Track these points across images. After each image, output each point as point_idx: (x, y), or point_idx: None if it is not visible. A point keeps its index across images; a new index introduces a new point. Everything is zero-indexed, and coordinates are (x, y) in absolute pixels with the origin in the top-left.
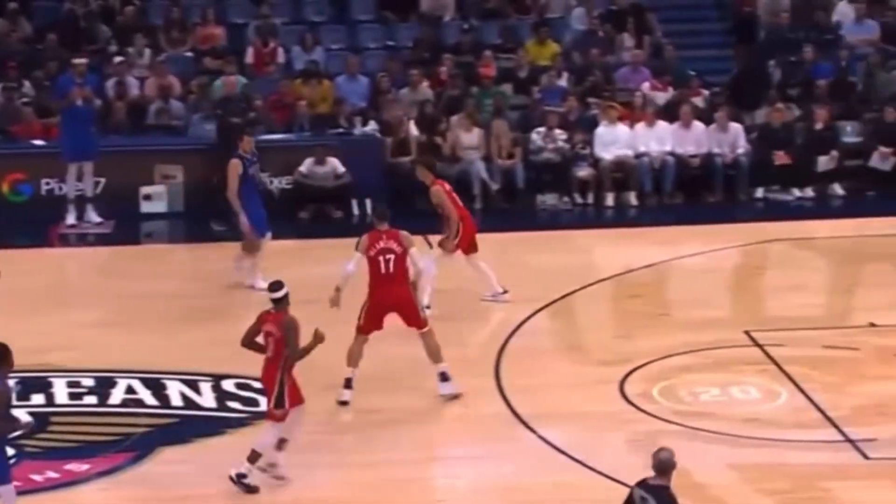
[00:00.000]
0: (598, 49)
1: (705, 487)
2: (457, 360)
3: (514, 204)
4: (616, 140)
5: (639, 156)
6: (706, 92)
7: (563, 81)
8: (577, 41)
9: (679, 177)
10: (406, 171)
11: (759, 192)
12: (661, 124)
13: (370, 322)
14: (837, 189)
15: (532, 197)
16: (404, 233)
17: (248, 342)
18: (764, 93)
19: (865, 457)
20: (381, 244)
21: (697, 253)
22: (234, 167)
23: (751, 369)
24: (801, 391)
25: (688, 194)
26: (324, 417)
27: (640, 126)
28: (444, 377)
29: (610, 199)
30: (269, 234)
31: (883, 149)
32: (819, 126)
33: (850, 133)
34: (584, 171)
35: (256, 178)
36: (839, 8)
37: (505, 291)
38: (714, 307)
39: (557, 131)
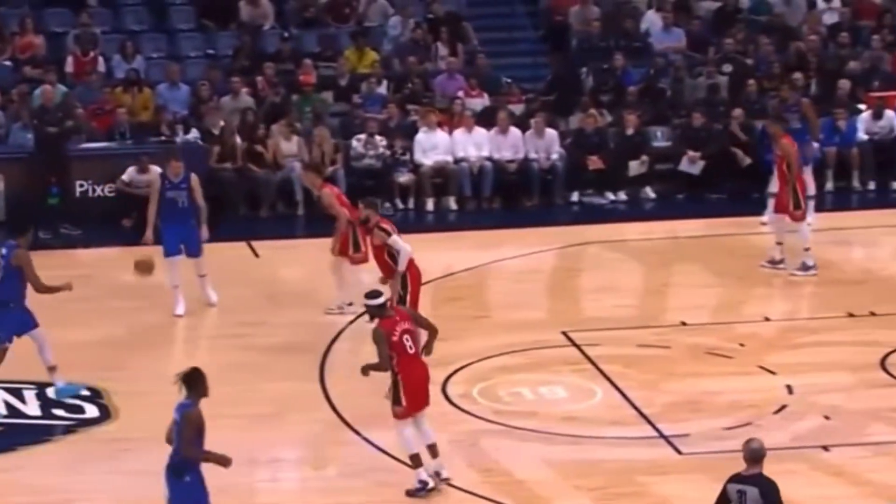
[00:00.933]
0: (415, 57)
1: (524, 484)
2: (282, 363)
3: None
4: (435, 146)
5: (458, 161)
6: (523, 98)
7: (382, 89)
8: (396, 49)
9: (497, 182)
10: (230, 178)
11: (575, 196)
12: (479, 130)
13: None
14: (649, 192)
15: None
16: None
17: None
18: (577, 99)
19: (679, 452)
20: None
21: (515, 256)
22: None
23: (568, 369)
24: (617, 389)
25: (505, 199)
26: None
27: (459, 132)
28: None
29: (430, 204)
30: (177, 256)
31: (691, 153)
32: (630, 131)
33: (660, 138)
34: (404, 177)
35: (179, 203)
36: (647, 16)
37: (350, 304)
38: (532, 308)
39: (378, 138)
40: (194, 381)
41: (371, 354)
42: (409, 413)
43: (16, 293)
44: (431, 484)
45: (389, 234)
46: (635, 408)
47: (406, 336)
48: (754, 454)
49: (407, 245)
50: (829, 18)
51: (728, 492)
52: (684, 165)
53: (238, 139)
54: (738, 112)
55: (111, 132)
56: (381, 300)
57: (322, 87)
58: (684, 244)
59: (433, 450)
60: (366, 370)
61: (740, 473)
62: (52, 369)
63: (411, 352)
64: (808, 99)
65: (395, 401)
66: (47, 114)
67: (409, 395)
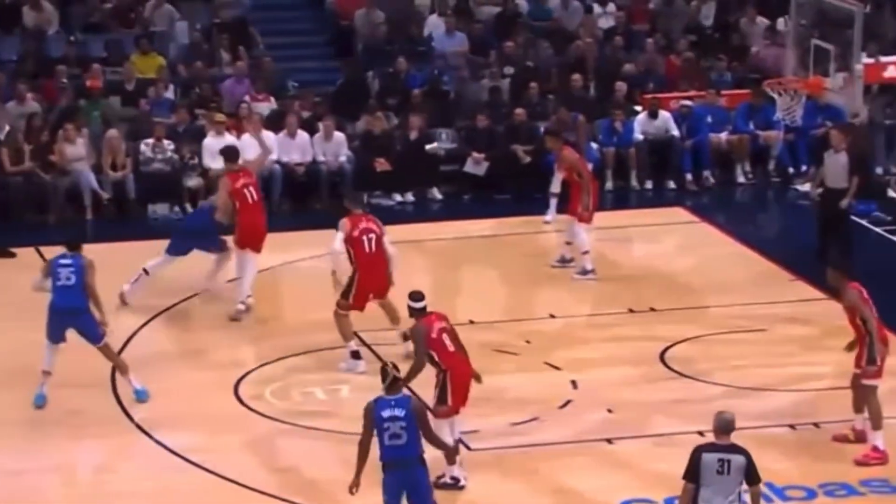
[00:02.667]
0: (202, 62)
1: (317, 483)
2: (76, 368)
3: (126, 214)
4: None
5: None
6: (311, 102)
7: (170, 93)
8: (182, 54)
9: (286, 184)
10: (16, 184)
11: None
12: (268, 134)
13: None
14: (436, 193)
15: (143, 207)
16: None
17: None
18: (364, 102)
19: (468, 448)
20: (363, 225)
21: (306, 258)
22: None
23: (364, 367)
24: (407, 387)
25: (295, 201)
26: None
27: (247, 136)
28: None
29: None
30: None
31: (476, 154)
32: (415, 134)
33: (445, 140)
34: (193, 181)
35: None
36: (430, 21)
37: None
38: (324, 310)
39: (166, 142)
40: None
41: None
42: (453, 412)
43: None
44: (463, 482)
45: (338, 231)
46: (426, 405)
47: (444, 334)
48: (727, 425)
49: (338, 246)
50: (605, 23)
51: (705, 461)
52: (469, 167)
53: (25, 144)
54: (520, 111)
55: None
56: (422, 303)
57: (109, 91)
58: (472, 244)
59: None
60: (406, 381)
61: (714, 443)
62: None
63: (451, 349)
64: (583, 117)
65: (441, 400)
66: None
67: (455, 393)
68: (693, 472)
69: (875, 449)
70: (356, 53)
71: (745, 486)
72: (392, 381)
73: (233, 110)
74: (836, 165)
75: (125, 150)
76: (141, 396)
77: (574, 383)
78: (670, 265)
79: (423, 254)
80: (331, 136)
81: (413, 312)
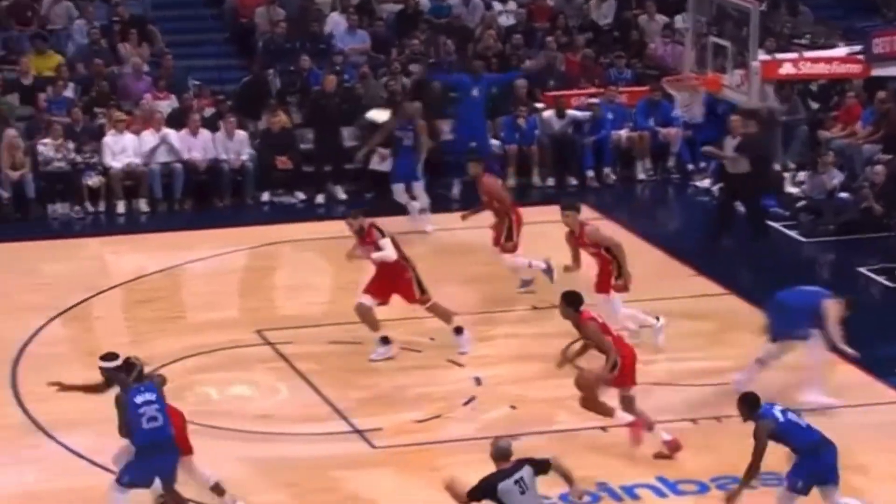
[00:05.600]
0: (101, 59)
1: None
2: None
3: (26, 214)
4: (124, 149)
5: (147, 163)
6: (213, 100)
7: (69, 92)
8: (81, 52)
9: (188, 183)
10: None
11: (265, 196)
12: (168, 132)
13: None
14: (340, 191)
15: (43, 206)
16: None
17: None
18: (265, 100)
19: (372, 446)
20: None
21: (208, 257)
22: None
23: (262, 367)
24: (311, 385)
25: (197, 200)
26: None
27: (147, 134)
28: None
29: (121, 207)
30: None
31: (381, 150)
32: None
33: (348, 137)
34: (93, 180)
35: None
36: (331, 18)
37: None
38: (226, 308)
39: (65, 141)
40: None
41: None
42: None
43: None
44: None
45: (384, 235)
46: (329, 403)
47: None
48: (505, 452)
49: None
50: (506, 20)
51: (505, 490)
52: (375, 164)
53: None
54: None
55: None
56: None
57: (7, 89)
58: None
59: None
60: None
61: (502, 470)
62: None
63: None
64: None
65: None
66: None
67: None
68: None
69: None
70: (257, 51)
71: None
72: (139, 372)
73: (132, 108)
74: (731, 149)
75: (23, 149)
76: None
77: (478, 380)
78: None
79: (322, 252)
80: (233, 135)
81: (105, 372)
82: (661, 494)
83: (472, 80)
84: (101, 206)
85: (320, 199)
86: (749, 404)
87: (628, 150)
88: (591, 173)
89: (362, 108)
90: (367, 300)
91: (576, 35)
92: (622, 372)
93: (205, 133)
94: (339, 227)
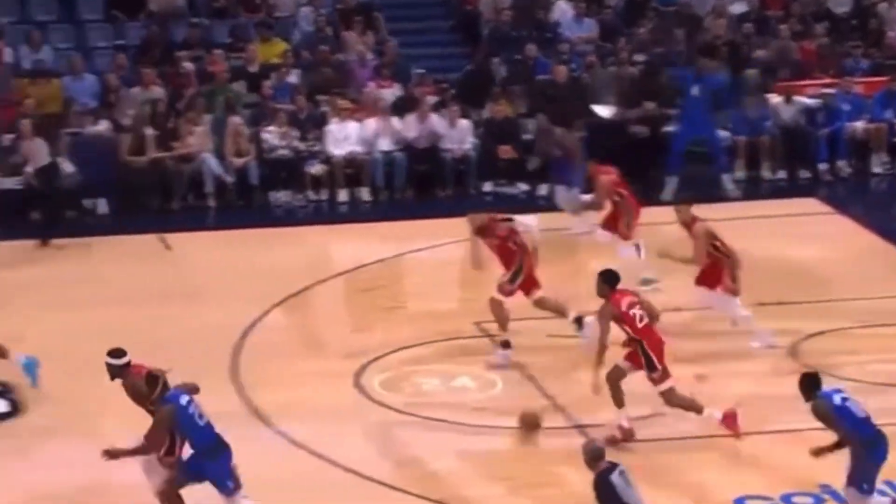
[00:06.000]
0: (326, 47)
1: (437, 476)
2: (194, 359)
3: (249, 201)
4: (347, 136)
5: (370, 152)
6: (437, 87)
7: (293, 78)
8: (306, 39)
9: (410, 172)
10: (140, 170)
11: (488, 186)
12: (392, 120)
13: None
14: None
15: (266, 194)
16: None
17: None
18: (489, 89)
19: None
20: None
21: (429, 247)
22: None
23: (481, 359)
24: (531, 379)
25: (419, 189)
26: None
27: (371, 122)
28: None
29: (343, 195)
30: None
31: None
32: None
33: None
34: (315, 168)
35: None
36: (558, 6)
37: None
38: (445, 299)
39: (289, 129)
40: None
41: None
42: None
43: None
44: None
45: (512, 219)
46: (549, 398)
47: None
48: (601, 453)
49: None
50: (738, 8)
51: (615, 482)
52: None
53: (149, 130)
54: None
55: (15, 124)
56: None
57: (233, 77)
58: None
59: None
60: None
61: (606, 467)
62: None
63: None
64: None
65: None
66: None
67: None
68: (616, 499)
69: None
70: (481, 39)
71: None
72: (164, 383)
73: (356, 96)
74: None
75: (248, 136)
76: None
77: (701, 377)
78: (802, 257)
79: (547, 242)
80: (456, 123)
81: (112, 369)
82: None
83: (694, 77)
84: (324, 195)
85: (543, 189)
86: (808, 385)
87: (864, 142)
88: (824, 166)
89: (589, 98)
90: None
91: (811, 23)
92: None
93: (428, 122)
94: (559, 219)
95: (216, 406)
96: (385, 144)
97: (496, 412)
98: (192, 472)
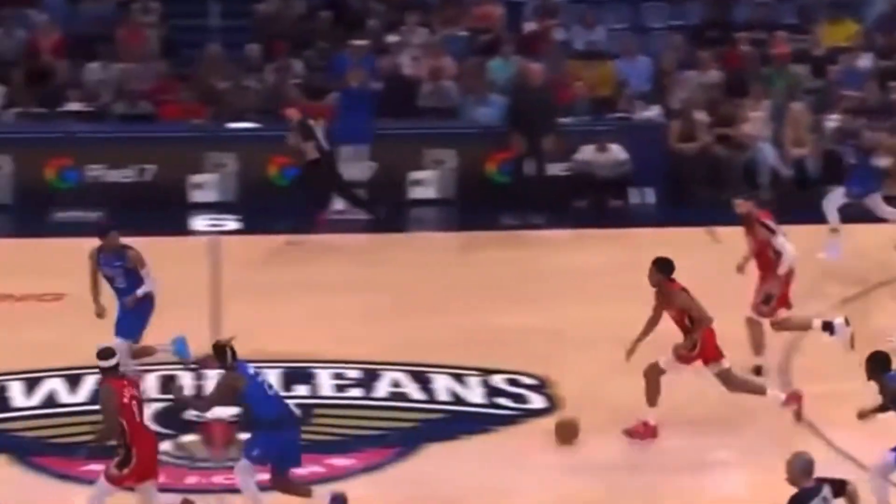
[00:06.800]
0: None
1: None
2: None
3: (806, 195)
4: None
5: None
6: None
7: (866, 60)
8: (881, 21)
9: None
10: (690, 158)
11: None
12: None
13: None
14: None
15: (825, 188)
16: None
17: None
18: None
19: None
20: None
21: None
22: None
23: None
24: None
25: None
26: None
27: None
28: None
29: None
30: None
31: None
32: None
33: None
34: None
35: None
36: None
37: None
38: None
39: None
40: None
41: None
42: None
43: None
44: None
45: (774, 234)
46: None
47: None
48: (809, 468)
49: (791, 247)
50: None
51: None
52: None
53: (702, 116)
54: None
55: (568, 107)
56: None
57: (795, 60)
58: None
59: None
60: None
61: (809, 489)
62: None
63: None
64: None
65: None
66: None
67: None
68: None
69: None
70: None
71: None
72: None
73: None
74: None
75: (809, 125)
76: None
77: None
78: None
79: None
80: None
81: (102, 371)
82: None
83: None
84: None
85: None
86: (876, 364)
87: None
88: None
89: None
90: None
91: None
92: (702, 351)
93: None
94: None
95: None
96: None
97: None
98: (262, 449)
